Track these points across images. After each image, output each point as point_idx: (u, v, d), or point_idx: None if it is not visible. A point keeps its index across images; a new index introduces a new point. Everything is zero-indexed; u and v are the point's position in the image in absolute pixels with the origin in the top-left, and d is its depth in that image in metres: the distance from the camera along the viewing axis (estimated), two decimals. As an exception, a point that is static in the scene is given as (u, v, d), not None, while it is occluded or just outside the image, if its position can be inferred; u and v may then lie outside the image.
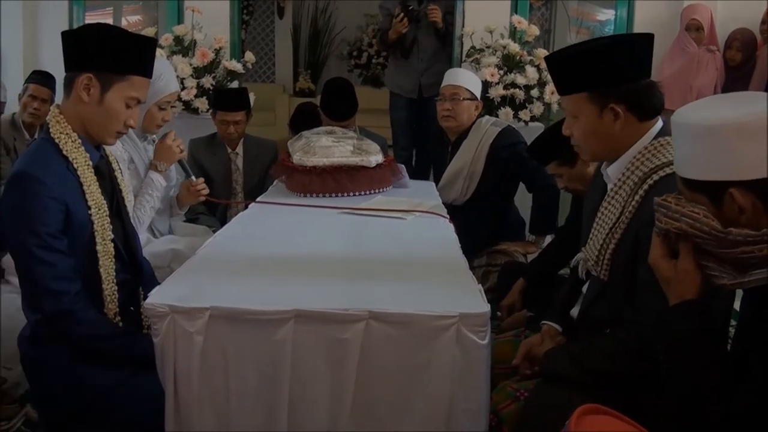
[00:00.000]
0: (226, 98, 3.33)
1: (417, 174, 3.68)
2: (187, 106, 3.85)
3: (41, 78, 3.39)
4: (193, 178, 2.49)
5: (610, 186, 1.57)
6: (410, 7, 4.01)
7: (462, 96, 3.03)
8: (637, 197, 1.47)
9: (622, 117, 1.50)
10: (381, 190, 2.68)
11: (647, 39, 1.52)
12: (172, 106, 2.40)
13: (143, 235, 2.28)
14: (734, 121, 1.05)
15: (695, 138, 1.10)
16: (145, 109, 2.24)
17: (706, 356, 1.13)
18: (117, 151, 2.14)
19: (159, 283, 1.58)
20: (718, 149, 1.07)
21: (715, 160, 1.08)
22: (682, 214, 1.14)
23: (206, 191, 2.52)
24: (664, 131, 1.51)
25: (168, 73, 2.35)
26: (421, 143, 4.27)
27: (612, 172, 1.57)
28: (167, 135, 2.41)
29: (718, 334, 1.17)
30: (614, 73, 1.49)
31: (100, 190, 1.61)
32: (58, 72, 2.44)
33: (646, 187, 1.46)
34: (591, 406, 1.16)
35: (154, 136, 2.44)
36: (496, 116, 3.73)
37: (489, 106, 3.81)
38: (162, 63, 2.43)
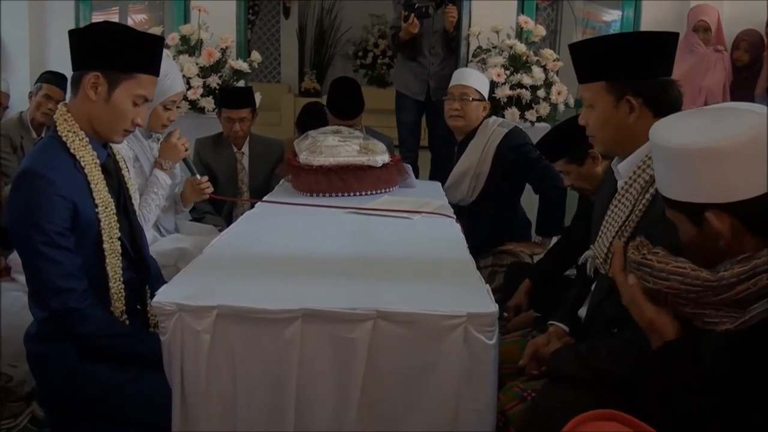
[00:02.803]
0: (232, 96, 3.34)
1: (433, 175, 3.51)
2: (193, 105, 3.85)
3: (56, 78, 3.39)
4: (198, 176, 2.49)
5: (620, 183, 1.57)
6: (416, 5, 3.88)
7: (471, 96, 3.03)
8: (647, 195, 1.46)
9: (636, 110, 1.50)
10: (387, 189, 2.67)
11: (672, 37, 1.53)
12: (177, 106, 2.40)
13: (150, 234, 2.28)
14: (705, 145, 1.02)
15: (668, 159, 1.09)
16: (151, 108, 2.25)
17: (699, 394, 1.09)
18: (122, 149, 2.14)
19: (166, 282, 1.58)
20: (690, 172, 1.05)
21: (689, 183, 1.06)
22: (669, 272, 1.10)
23: (210, 189, 2.53)
24: None
25: (174, 73, 2.35)
26: (433, 146, 4.13)
27: (623, 168, 1.56)
28: (172, 133, 2.41)
29: (710, 369, 1.13)
30: (635, 65, 1.49)
31: (107, 188, 1.62)
32: (65, 71, 2.45)
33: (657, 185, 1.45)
34: (599, 412, 1.13)
35: (159, 134, 2.45)
36: (503, 116, 3.72)
37: (495, 107, 3.79)
38: (168, 63, 2.43)
